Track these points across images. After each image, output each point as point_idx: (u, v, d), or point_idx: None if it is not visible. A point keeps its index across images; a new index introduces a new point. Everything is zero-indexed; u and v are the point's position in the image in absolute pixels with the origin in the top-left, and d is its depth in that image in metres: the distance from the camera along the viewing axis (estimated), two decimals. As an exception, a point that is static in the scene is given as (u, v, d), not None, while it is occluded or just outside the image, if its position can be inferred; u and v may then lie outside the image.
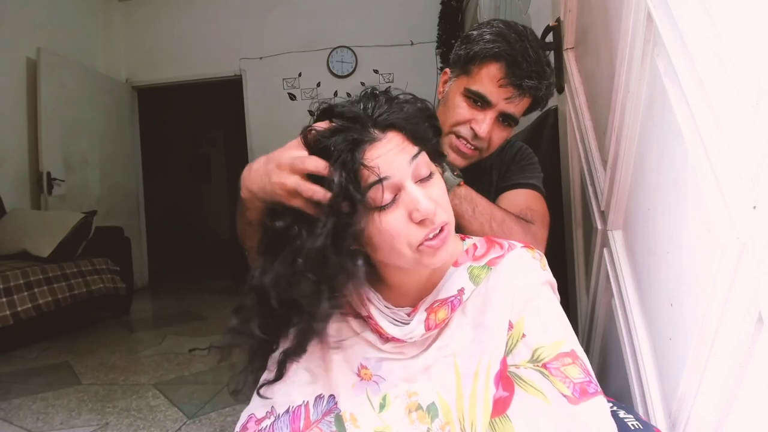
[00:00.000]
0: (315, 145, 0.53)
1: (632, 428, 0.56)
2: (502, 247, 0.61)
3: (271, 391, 0.58)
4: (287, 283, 0.51)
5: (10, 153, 3.28)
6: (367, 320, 0.60)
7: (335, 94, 4.12)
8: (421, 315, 0.57)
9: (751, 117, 0.45)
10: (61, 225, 2.85)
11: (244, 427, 0.56)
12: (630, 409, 0.62)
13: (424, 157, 0.54)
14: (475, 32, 0.87)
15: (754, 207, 0.44)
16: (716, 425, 0.51)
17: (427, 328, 0.57)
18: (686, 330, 0.57)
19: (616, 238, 0.84)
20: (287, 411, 0.55)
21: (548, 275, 0.59)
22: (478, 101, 0.84)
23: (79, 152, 3.70)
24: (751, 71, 0.45)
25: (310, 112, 0.58)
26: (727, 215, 0.47)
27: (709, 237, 0.51)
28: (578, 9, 1.08)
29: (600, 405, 0.49)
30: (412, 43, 4.02)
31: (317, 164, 0.52)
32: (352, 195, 0.49)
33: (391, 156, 0.51)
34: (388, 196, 0.51)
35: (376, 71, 4.11)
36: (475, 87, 0.83)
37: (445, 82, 0.92)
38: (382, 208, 0.51)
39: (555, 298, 0.59)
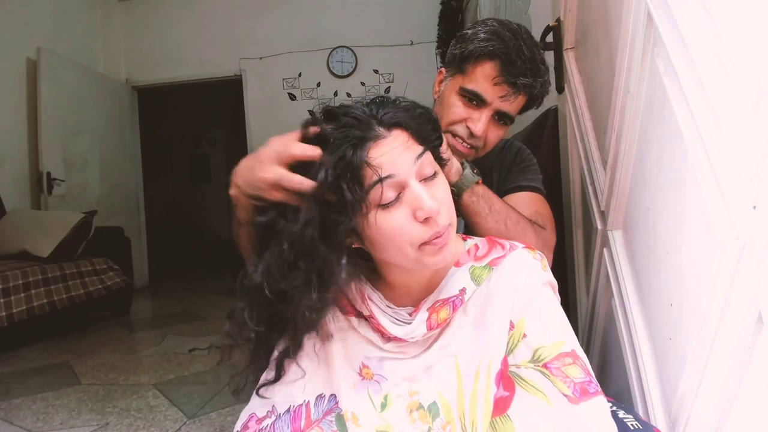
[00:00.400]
0: (313, 137, 0.53)
1: (632, 428, 0.56)
2: (503, 247, 0.61)
3: (270, 392, 0.58)
4: (278, 274, 0.51)
5: (10, 153, 3.28)
6: (368, 320, 0.60)
7: (335, 94, 4.12)
8: (422, 315, 0.58)
9: (751, 117, 0.45)
10: (61, 225, 2.85)
11: (245, 426, 0.56)
12: (630, 409, 0.63)
13: (428, 156, 0.54)
14: (469, 31, 0.87)
15: (754, 207, 0.44)
16: (716, 425, 0.51)
17: (429, 328, 0.57)
18: (686, 330, 0.57)
19: (616, 238, 0.84)
20: (288, 410, 0.55)
21: (549, 276, 0.60)
22: (474, 100, 0.84)
23: (79, 152, 3.71)
24: (751, 71, 0.45)
25: (311, 113, 0.58)
26: (727, 215, 0.47)
27: (709, 237, 0.51)
28: (578, 9, 1.08)
29: (600, 405, 0.49)
30: (412, 43, 4.03)
31: (304, 149, 0.52)
32: (338, 186, 0.49)
33: (396, 153, 0.51)
34: (391, 194, 0.51)
35: (376, 71, 4.11)
36: (470, 86, 0.83)
37: (441, 81, 0.92)
38: (385, 206, 0.51)
39: (556, 299, 0.59)
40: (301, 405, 0.55)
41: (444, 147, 0.70)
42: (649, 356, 0.69)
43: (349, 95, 4.09)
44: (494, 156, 0.96)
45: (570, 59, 1.15)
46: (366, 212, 0.50)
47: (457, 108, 0.85)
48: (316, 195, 0.50)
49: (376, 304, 0.59)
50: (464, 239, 0.64)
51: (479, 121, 0.83)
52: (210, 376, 2.03)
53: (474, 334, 0.56)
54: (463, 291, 0.57)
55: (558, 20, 1.18)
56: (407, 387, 0.56)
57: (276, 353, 0.59)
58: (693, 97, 0.53)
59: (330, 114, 0.54)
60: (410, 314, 0.59)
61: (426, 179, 0.53)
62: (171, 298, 3.93)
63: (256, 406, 0.58)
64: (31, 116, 3.39)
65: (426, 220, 0.51)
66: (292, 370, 0.58)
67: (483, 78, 0.83)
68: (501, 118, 0.85)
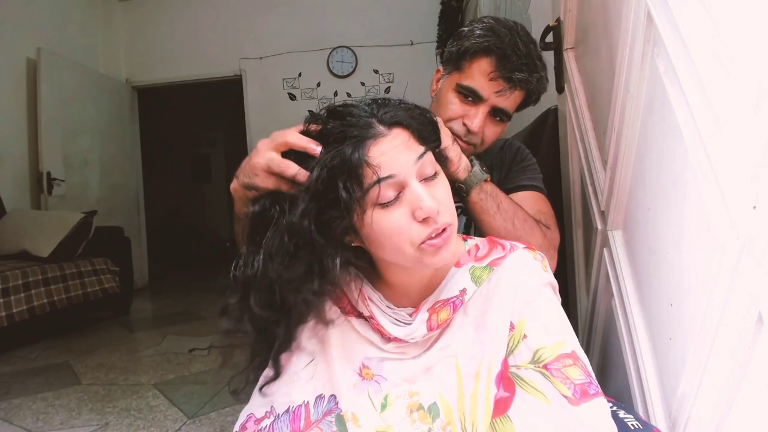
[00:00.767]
0: (314, 133, 0.53)
1: (632, 428, 0.56)
2: (504, 248, 0.61)
3: (272, 389, 0.57)
4: (278, 261, 0.51)
5: (10, 153, 3.28)
6: (368, 320, 0.60)
7: (335, 94, 4.12)
8: (423, 315, 0.57)
9: (751, 117, 0.45)
10: (61, 225, 2.85)
11: (243, 427, 0.56)
12: (630, 409, 0.63)
13: (429, 156, 0.53)
14: (466, 29, 0.87)
15: (754, 207, 0.44)
16: (716, 425, 0.51)
17: (429, 329, 0.57)
18: (686, 330, 0.57)
19: (616, 238, 0.84)
20: (287, 411, 0.55)
21: (550, 276, 0.59)
22: (470, 96, 0.84)
23: (79, 152, 3.70)
24: (751, 71, 0.45)
25: (311, 112, 0.58)
26: (727, 215, 0.47)
27: (709, 237, 0.51)
28: (578, 9, 1.08)
29: (600, 406, 0.49)
30: (412, 43, 4.03)
31: (300, 138, 0.53)
32: (334, 183, 0.49)
33: (396, 153, 0.51)
34: (391, 194, 0.51)
35: (376, 71, 4.11)
36: (467, 82, 0.84)
37: (438, 79, 0.92)
38: (384, 205, 0.51)
39: (556, 300, 0.58)
40: (301, 405, 0.55)
41: (450, 143, 0.69)
42: (649, 356, 0.69)
43: (349, 95, 4.09)
44: (494, 155, 0.96)
45: (570, 59, 1.15)
46: (363, 211, 0.50)
47: (453, 105, 0.85)
48: (311, 188, 0.50)
49: (376, 305, 0.59)
50: (465, 239, 0.64)
51: (476, 117, 0.83)
52: (210, 376, 2.03)
53: (474, 335, 0.56)
54: (463, 292, 0.57)
55: (558, 20, 1.18)
56: (407, 388, 0.56)
57: (274, 350, 0.59)
58: (693, 97, 0.53)
59: (332, 112, 0.55)
60: (410, 315, 0.59)
61: (427, 179, 0.53)
62: (171, 298, 3.93)
63: (254, 406, 0.58)
64: (31, 116, 3.39)
65: (425, 220, 0.51)
66: (292, 371, 0.58)
67: (479, 74, 0.83)
68: (498, 114, 0.85)
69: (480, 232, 0.80)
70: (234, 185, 0.61)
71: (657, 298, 0.67)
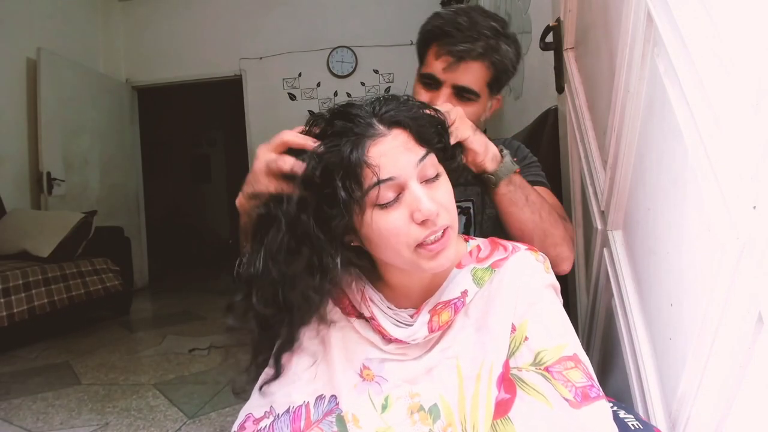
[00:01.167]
0: (315, 132, 0.54)
1: (632, 428, 0.56)
2: (506, 249, 0.60)
3: (272, 388, 0.57)
4: (278, 257, 0.51)
5: (10, 153, 3.28)
6: (369, 321, 0.60)
7: (335, 94, 4.12)
8: (424, 317, 0.57)
9: (751, 117, 0.45)
10: (61, 225, 2.85)
11: (242, 427, 0.56)
12: (630, 409, 0.63)
13: (431, 157, 0.53)
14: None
15: (754, 207, 0.44)
16: (716, 425, 0.51)
17: (431, 330, 0.57)
18: (686, 330, 0.57)
19: (616, 238, 0.84)
20: (287, 411, 0.55)
21: (552, 278, 0.59)
22: (430, 82, 0.87)
23: (79, 152, 3.71)
24: (751, 71, 0.45)
25: (311, 113, 0.58)
26: (727, 215, 0.47)
27: (709, 237, 0.51)
28: (578, 9, 1.08)
29: (602, 409, 0.49)
30: (412, 43, 3.96)
31: (296, 136, 0.54)
32: (331, 180, 0.49)
33: (396, 154, 0.50)
34: (390, 195, 0.50)
35: (376, 71, 4.11)
36: (424, 70, 0.87)
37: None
38: (383, 206, 0.51)
39: (558, 301, 0.58)
40: (301, 406, 0.55)
41: (471, 133, 0.67)
42: (649, 356, 0.69)
43: (349, 95, 4.09)
44: None
45: (570, 59, 1.15)
46: (362, 211, 0.50)
47: (420, 95, 0.88)
48: (306, 178, 0.51)
49: (377, 306, 0.59)
50: (466, 240, 0.64)
51: (438, 100, 0.85)
52: (210, 376, 2.03)
53: (476, 337, 0.56)
54: (464, 293, 0.57)
55: (558, 20, 1.18)
56: (408, 389, 0.56)
57: (275, 349, 0.59)
58: (693, 97, 0.53)
59: (334, 111, 0.55)
60: (411, 316, 0.59)
61: (428, 181, 0.52)
62: (171, 298, 3.93)
63: (252, 406, 0.58)
64: (31, 116, 3.39)
65: (424, 222, 0.50)
66: (292, 371, 0.58)
67: (432, 59, 0.86)
68: (461, 93, 0.86)
69: (505, 223, 0.77)
70: (239, 199, 0.60)
71: (657, 298, 0.67)
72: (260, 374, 0.60)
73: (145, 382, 1.97)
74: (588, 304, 1.05)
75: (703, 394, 0.53)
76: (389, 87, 4.09)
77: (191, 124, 6.37)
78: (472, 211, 0.91)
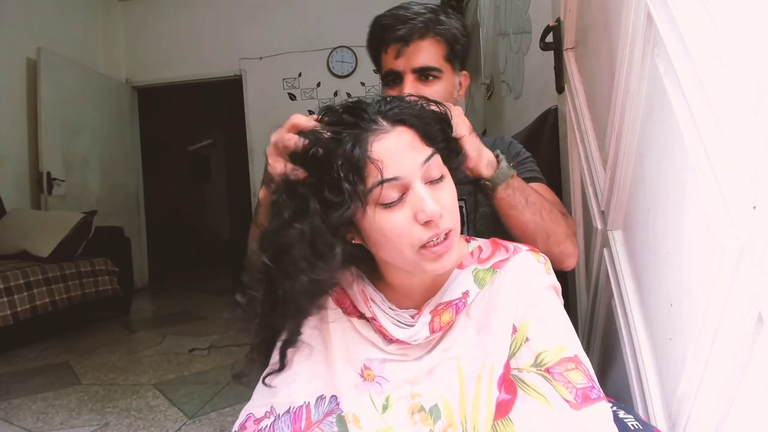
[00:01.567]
0: (323, 120, 0.54)
1: (632, 428, 0.56)
2: (507, 250, 0.60)
3: (274, 382, 0.57)
4: (275, 235, 0.51)
5: (10, 153, 3.28)
6: (370, 321, 0.60)
7: (335, 94, 4.12)
8: (425, 317, 0.57)
9: (751, 117, 0.45)
10: (61, 225, 2.85)
11: (243, 427, 0.56)
12: (630, 409, 0.63)
13: (436, 159, 0.53)
14: None
15: (754, 207, 0.44)
16: (716, 425, 0.51)
17: (432, 331, 0.56)
18: (686, 330, 0.57)
19: (616, 238, 0.84)
20: (288, 411, 0.55)
21: (553, 279, 0.59)
22: (392, 78, 0.89)
23: (79, 152, 3.71)
24: (751, 71, 0.45)
25: (310, 112, 0.58)
26: (727, 215, 0.47)
27: (709, 237, 0.51)
28: (578, 9, 1.08)
29: (602, 410, 0.49)
30: (412, 43, 4.02)
31: (307, 119, 0.55)
32: (334, 168, 0.49)
33: (400, 154, 0.50)
34: (394, 195, 0.50)
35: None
36: (383, 70, 0.91)
37: None
38: (387, 205, 0.51)
39: (559, 302, 0.58)
40: (302, 406, 0.55)
41: (466, 133, 0.67)
42: (649, 356, 0.69)
43: (349, 95, 4.09)
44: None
45: (570, 59, 1.15)
46: (363, 207, 0.50)
47: (387, 93, 0.90)
48: (309, 159, 0.51)
49: (378, 306, 0.59)
50: (468, 241, 0.63)
51: (405, 88, 0.87)
52: (210, 376, 2.03)
53: (477, 338, 0.56)
54: (466, 294, 0.57)
55: (558, 20, 1.18)
56: (409, 389, 0.56)
57: (279, 343, 0.59)
58: (693, 97, 0.53)
59: (345, 106, 0.55)
60: (413, 317, 0.58)
61: (432, 182, 0.52)
62: (171, 298, 3.94)
63: (253, 406, 0.58)
64: (31, 116, 3.39)
65: (427, 223, 0.50)
66: (293, 371, 0.58)
67: (385, 57, 0.90)
68: (423, 74, 0.88)
69: (506, 225, 0.77)
70: (261, 192, 0.61)
71: (657, 298, 0.67)
72: (260, 364, 0.59)
73: (145, 382, 1.97)
74: (588, 304, 1.05)
75: (703, 394, 0.53)
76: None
77: (191, 124, 6.36)
78: (464, 210, 0.91)
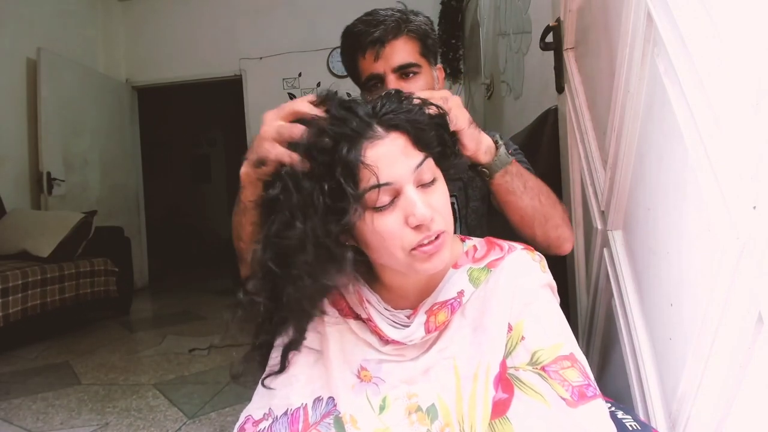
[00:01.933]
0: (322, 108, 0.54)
1: (630, 429, 0.56)
2: (502, 248, 0.60)
3: (274, 383, 0.57)
4: (277, 234, 0.50)
5: (10, 153, 3.28)
6: (366, 322, 0.60)
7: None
8: (420, 317, 0.57)
9: (751, 117, 0.45)
10: (61, 225, 2.85)
11: (241, 429, 0.56)
12: (628, 409, 0.63)
13: (429, 162, 0.53)
14: None
15: (754, 207, 0.44)
16: (716, 425, 0.51)
17: (427, 331, 0.56)
18: (686, 330, 0.57)
19: (616, 238, 0.84)
20: (285, 413, 0.55)
21: (548, 277, 0.59)
22: (373, 83, 0.90)
23: (79, 152, 3.71)
24: (751, 71, 0.45)
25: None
26: (727, 215, 0.47)
27: (709, 237, 0.51)
28: (578, 9, 1.08)
29: (598, 408, 0.49)
30: (412, 43, 4.02)
31: (309, 107, 0.54)
32: (331, 170, 0.49)
33: (393, 159, 0.50)
34: (386, 198, 0.50)
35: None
36: (364, 76, 0.91)
37: None
38: (379, 209, 0.51)
39: (554, 301, 0.58)
40: (299, 408, 0.55)
41: (465, 126, 0.66)
42: (649, 356, 0.69)
43: (349, 95, 4.07)
44: None
45: (570, 59, 1.15)
46: (357, 210, 0.50)
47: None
48: (315, 150, 0.50)
49: (374, 307, 0.59)
50: (462, 240, 0.63)
51: (390, 87, 0.87)
52: (210, 376, 2.03)
53: (472, 337, 0.56)
54: (461, 293, 0.57)
55: (558, 20, 1.18)
56: (406, 389, 0.56)
57: (280, 344, 0.58)
58: (693, 97, 0.53)
59: (342, 101, 0.55)
60: (408, 317, 0.58)
61: (424, 185, 0.52)
62: (171, 298, 3.93)
63: (252, 408, 0.58)
64: (31, 116, 3.39)
65: (418, 227, 0.50)
66: (290, 372, 0.58)
67: (363, 63, 0.91)
68: (403, 71, 0.89)
69: (504, 211, 0.76)
70: (244, 168, 0.58)
71: (657, 298, 0.67)
72: (259, 365, 0.59)
73: (145, 382, 1.97)
74: (588, 304, 1.05)
75: (703, 394, 0.53)
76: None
77: (191, 124, 6.36)
78: (456, 206, 0.91)
